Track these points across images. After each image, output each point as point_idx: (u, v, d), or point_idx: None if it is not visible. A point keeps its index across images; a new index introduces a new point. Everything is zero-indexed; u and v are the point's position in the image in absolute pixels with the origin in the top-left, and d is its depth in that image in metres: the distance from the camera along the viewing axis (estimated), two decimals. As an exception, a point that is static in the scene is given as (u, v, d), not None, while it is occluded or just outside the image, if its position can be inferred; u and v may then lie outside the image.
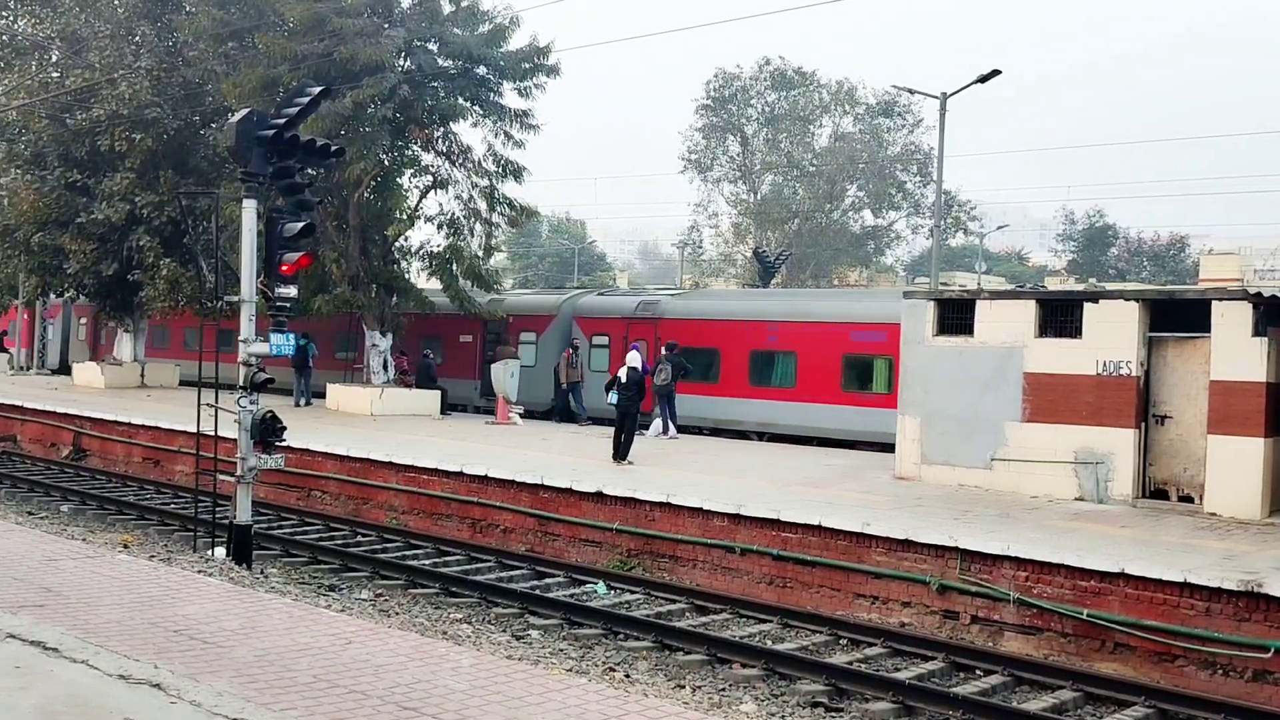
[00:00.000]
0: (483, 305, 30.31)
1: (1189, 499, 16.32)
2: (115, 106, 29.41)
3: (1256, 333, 15.56)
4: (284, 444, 14.49)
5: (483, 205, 29.17)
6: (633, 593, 14.94)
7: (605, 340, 29.37)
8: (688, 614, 14.10)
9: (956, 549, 13.54)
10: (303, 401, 30.19)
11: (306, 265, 14.87)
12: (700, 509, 15.92)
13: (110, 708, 6.66)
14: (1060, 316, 17.37)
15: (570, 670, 9.45)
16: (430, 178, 29.88)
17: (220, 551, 14.06)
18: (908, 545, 13.97)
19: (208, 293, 27.62)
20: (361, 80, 25.96)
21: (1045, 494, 17.04)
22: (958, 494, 17.33)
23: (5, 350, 44.21)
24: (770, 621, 13.64)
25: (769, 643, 12.76)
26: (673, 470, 19.24)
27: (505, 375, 27.16)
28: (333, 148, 15.08)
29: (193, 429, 15.79)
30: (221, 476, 14.45)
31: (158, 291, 30.94)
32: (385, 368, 29.41)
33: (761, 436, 26.28)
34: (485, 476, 18.50)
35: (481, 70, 28.25)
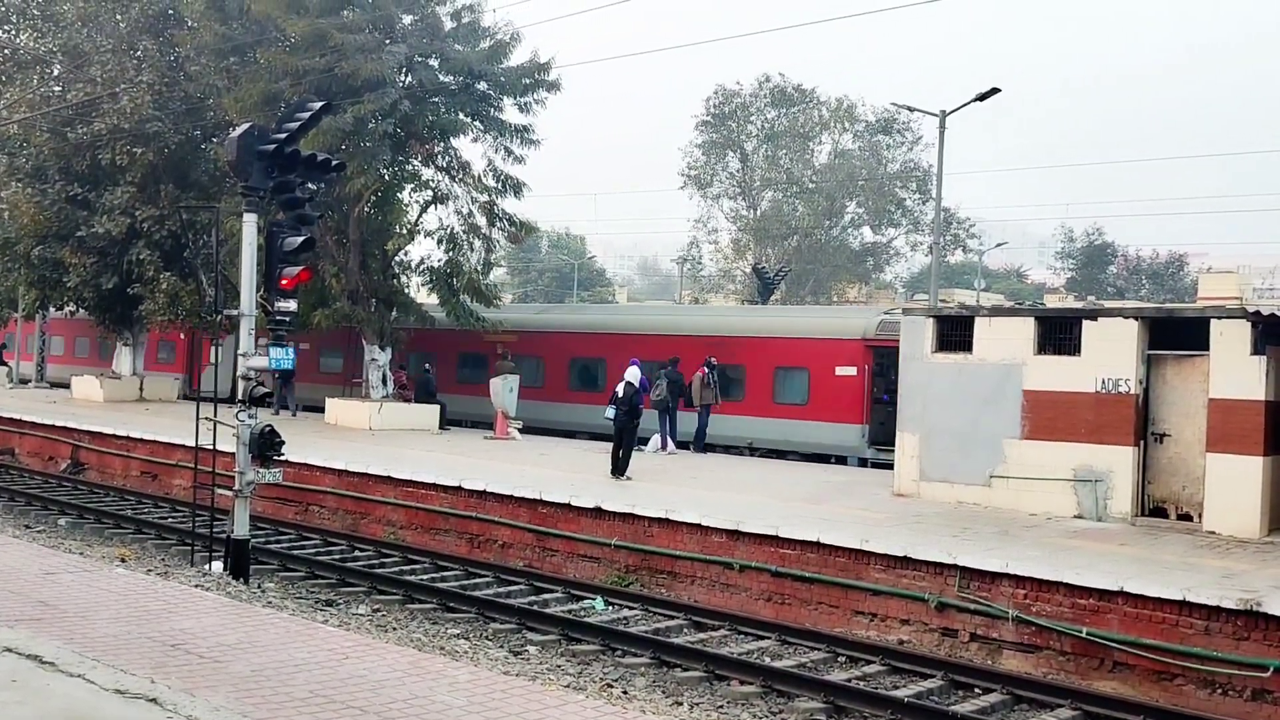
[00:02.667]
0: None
1: (1188, 517, 16.30)
2: (116, 120, 29.46)
3: (1255, 351, 15.57)
4: (282, 458, 14.47)
5: (482, 220, 29.22)
6: (631, 609, 14.89)
7: None
8: (686, 630, 14.06)
9: (955, 566, 13.52)
10: (292, 412, 30.45)
11: (306, 279, 14.89)
12: (699, 525, 15.89)
13: (106, 722, 6.63)
14: (1059, 334, 17.39)
15: (568, 686, 9.43)
16: (430, 193, 29.96)
17: (218, 566, 14.03)
18: (906, 562, 13.95)
19: (207, 306, 27.67)
20: (362, 95, 26.04)
21: (1044, 511, 17.02)
22: (956, 511, 17.30)
23: (4, 364, 44.10)
24: (768, 638, 13.61)
25: (767, 660, 12.73)
26: (671, 486, 19.22)
27: (504, 390, 27.14)
28: (333, 162, 15.13)
29: (191, 443, 15.78)
30: (219, 491, 14.44)
31: (157, 305, 30.96)
32: (384, 382, 29.40)
33: None
34: (483, 491, 18.48)
35: (482, 86, 28.35)
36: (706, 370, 25.36)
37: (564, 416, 29.95)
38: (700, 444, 25.74)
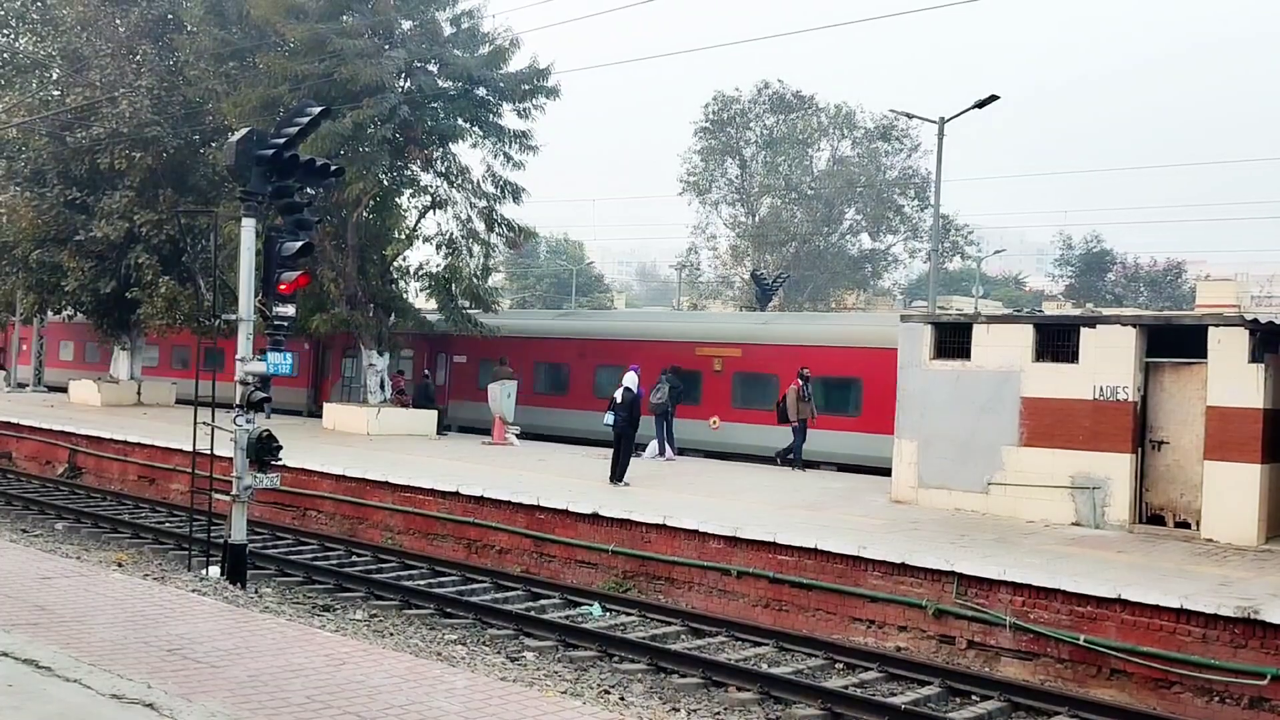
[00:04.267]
0: None
1: (1185, 524, 16.30)
2: (115, 125, 29.48)
3: (1253, 359, 15.59)
4: (280, 463, 14.46)
5: (481, 226, 29.25)
6: (628, 615, 14.89)
7: None
8: (683, 636, 14.04)
9: (953, 573, 13.52)
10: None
11: (304, 284, 14.89)
12: (696, 531, 15.89)
13: (102, 728, 6.62)
14: (1057, 341, 17.40)
15: (565, 693, 9.41)
16: (429, 198, 29.96)
17: (215, 571, 14.01)
18: (904, 569, 13.94)
19: (205, 311, 27.65)
20: (361, 100, 26.06)
21: (1042, 518, 17.02)
22: (954, 518, 17.30)
23: (2, 368, 44.08)
24: (766, 645, 13.60)
25: (765, 666, 12.73)
26: (669, 492, 19.21)
27: (502, 396, 27.13)
28: (332, 167, 15.13)
29: (188, 447, 15.76)
30: (217, 495, 14.42)
31: (155, 309, 30.93)
32: (382, 387, 29.38)
33: None
34: (481, 497, 18.46)
35: (481, 91, 28.36)
36: (801, 384, 23.60)
37: (759, 439, 26.13)
38: (799, 460, 23.85)
